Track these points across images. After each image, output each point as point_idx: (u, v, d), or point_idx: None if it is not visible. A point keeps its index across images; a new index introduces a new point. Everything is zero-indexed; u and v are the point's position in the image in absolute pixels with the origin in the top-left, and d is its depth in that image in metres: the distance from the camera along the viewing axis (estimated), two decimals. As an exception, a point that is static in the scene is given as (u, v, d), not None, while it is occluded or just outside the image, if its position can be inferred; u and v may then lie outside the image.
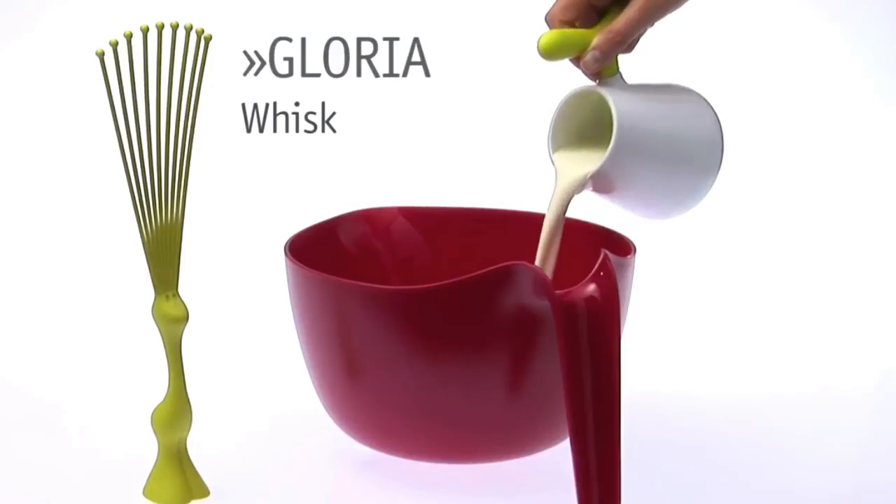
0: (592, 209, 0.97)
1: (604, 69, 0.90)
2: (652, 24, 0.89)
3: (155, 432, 0.91)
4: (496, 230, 1.07)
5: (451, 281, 0.86)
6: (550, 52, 0.89)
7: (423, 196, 1.12)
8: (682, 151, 0.93)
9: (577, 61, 0.91)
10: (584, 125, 0.93)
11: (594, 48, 0.89)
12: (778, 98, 1.62)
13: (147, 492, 0.93)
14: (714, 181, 0.95)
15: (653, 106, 0.92)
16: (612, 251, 0.87)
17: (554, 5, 0.90)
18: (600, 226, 1.01)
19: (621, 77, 0.92)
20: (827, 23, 1.65)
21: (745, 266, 1.40)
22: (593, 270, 0.85)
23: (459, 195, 1.11)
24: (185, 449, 0.93)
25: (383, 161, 1.56)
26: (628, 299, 0.95)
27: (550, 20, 0.91)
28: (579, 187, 0.92)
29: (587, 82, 0.92)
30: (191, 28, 0.85)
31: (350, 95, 1.61)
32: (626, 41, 0.89)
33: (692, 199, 0.95)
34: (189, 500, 0.92)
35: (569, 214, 1.00)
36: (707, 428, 1.06)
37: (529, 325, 0.87)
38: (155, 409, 0.91)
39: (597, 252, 0.87)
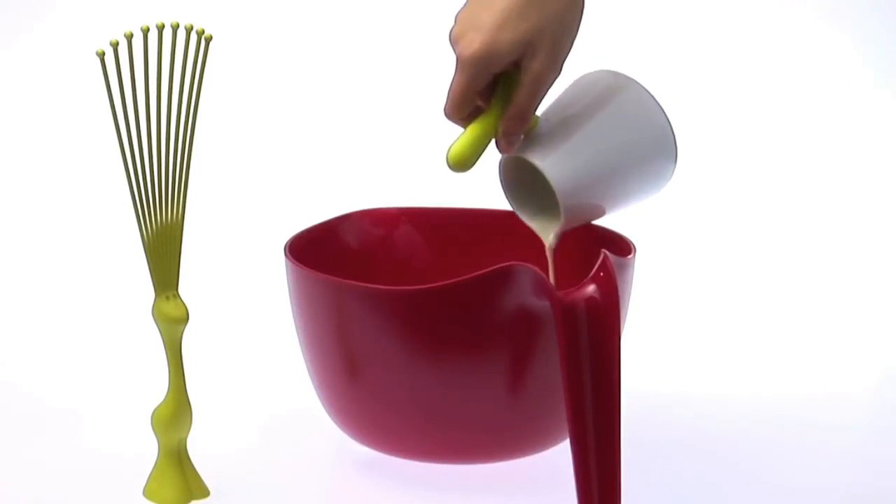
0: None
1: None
2: (546, 92, 0.88)
3: (155, 432, 0.91)
4: (496, 230, 1.07)
5: (451, 281, 0.86)
6: (462, 167, 0.88)
7: (424, 196, 1.12)
8: (634, 156, 0.92)
9: None
10: (531, 180, 0.92)
11: (504, 135, 0.89)
12: (779, 98, 1.62)
13: (147, 492, 0.93)
14: (676, 159, 0.93)
15: (584, 137, 0.91)
16: (612, 251, 0.87)
17: (447, 104, 0.89)
18: (600, 226, 1.01)
19: (540, 123, 0.91)
20: (826, 20, 1.65)
21: (746, 266, 1.40)
22: (593, 270, 0.85)
23: (460, 195, 1.11)
24: (185, 449, 0.93)
25: (383, 161, 1.56)
26: (628, 299, 0.95)
27: (449, 118, 0.89)
28: (556, 241, 0.94)
29: None
30: (191, 28, 0.85)
31: (350, 95, 1.61)
32: (530, 117, 0.88)
33: (662, 182, 0.95)
34: (189, 500, 0.92)
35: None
36: (707, 428, 1.06)
37: (529, 325, 0.87)
38: (155, 410, 0.91)
39: (597, 252, 0.87)
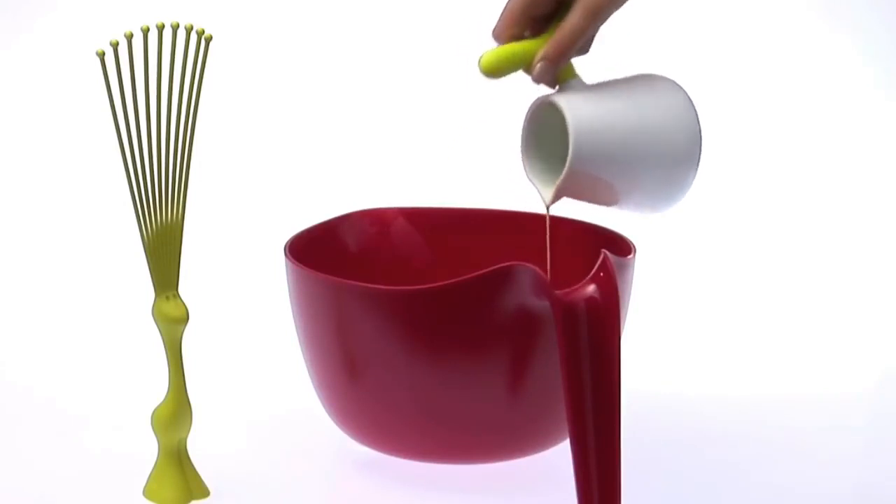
0: (593, 209, 0.97)
1: (559, 75, 0.89)
2: (598, 28, 0.88)
3: (155, 432, 0.91)
4: (496, 230, 1.07)
5: (451, 281, 0.86)
6: (491, 71, 0.87)
7: (423, 196, 1.12)
8: (653, 147, 0.90)
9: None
10: (553, 138, 0.91)
11: (541, 59, 0.88)
12: (780, 97, 1.62)
13: (147, 492, 0.93)
14: (696, 172, 0.92)
15: (615, 105, 0.90)
16: (612, 251, 0.87)
17: (498, 22, 0.89)
18: (600, 226, 1.01)
19: (579, 79, 0.91)
20: (826, 21, 1.65)
21: (745, 266, 1.40)
22: (593, 270, 0.85)
23: (460, 195, 1.11)
24: (185, 449, 0.93)
25: (383, 161, 1.56)
26: (628, 299, 0.95)
27: (497, 37, 0.89)
28: (554, 200, 0.92)
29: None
30: (191, 28, 0.85)
31: (350, 95, 1.61)
32: (573, 49, 0.88)
33: (676, 192, 0.93)
34: (189, 500, 0.92)
35: (569, 214, 1.00)
36: (707, 428, 1.06)
37: (529, 325, 0.87)
38: (155, 409, 0.91)
39: (597, 252, 0.87)
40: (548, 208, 0.93)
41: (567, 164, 0.89)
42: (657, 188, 0.92)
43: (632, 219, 1.00)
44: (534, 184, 0.93)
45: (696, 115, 0.91)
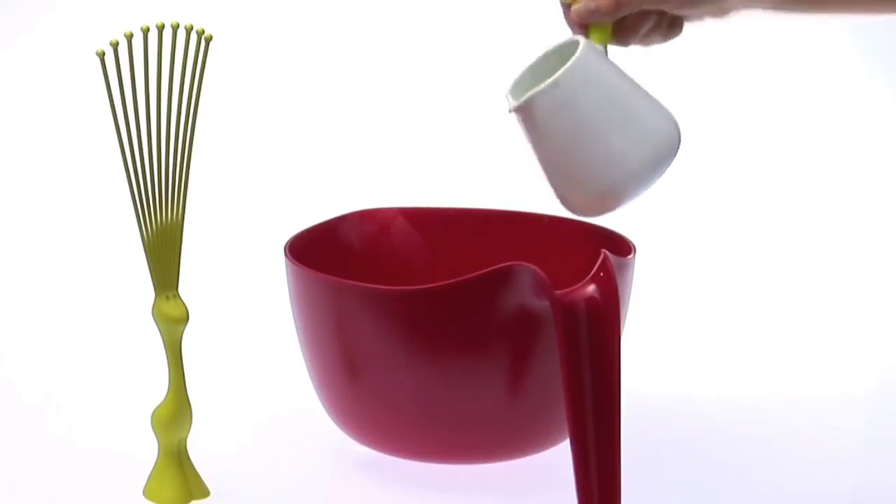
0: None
1: (592, 31, 0.89)
2: (651, 6, 0.87)
3: (155, 432, 0.91)
4: (496, 231, 1.07)
5: (451, 281, 0.86)
6: None
7: (423, 196, 1.12)
8: (631, 121, 0.88)
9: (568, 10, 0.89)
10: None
11: None
12: (780, 97, 1.62)
13: (147, 492, 0.93)
14: (657, 178, 0.89)
15: (620, 74, 0.88)
16: (612, 251, 0.87)
17: None
18: (600, 226, 1.01)
19: (605, 49, 0.89)
20: (827, 20, 1.65)
21: (746, 267, 1.40)
22: (593, 270, 0.85)
23: (459, 196, 1.11)
24: (185, 449, 0.93)
25: (383, 161, 1.56)
26: (628, 299, 0.95)
27: None
28: (519, 105, 0.88)
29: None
30: (191, 28, 0.85)
31: (350, 95, 1.61)
32: (625, 7, 0.87)
33: (629, 182, 0.88)
34: (189, 500, 0.92)
35: (569, 215, 0.99)
36: (707, 428, 1.06)
37: (529, 325, 0.87)
38: (155, 410, 0.91)
39: (597, 252, 0.87)
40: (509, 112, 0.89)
41: (558, 72, 0.86)
42: (613, 164, 0.88)
43: (632, 219, 1.00)
44: (508, 99, 0.90)
45: (679, 140, 0.89)
